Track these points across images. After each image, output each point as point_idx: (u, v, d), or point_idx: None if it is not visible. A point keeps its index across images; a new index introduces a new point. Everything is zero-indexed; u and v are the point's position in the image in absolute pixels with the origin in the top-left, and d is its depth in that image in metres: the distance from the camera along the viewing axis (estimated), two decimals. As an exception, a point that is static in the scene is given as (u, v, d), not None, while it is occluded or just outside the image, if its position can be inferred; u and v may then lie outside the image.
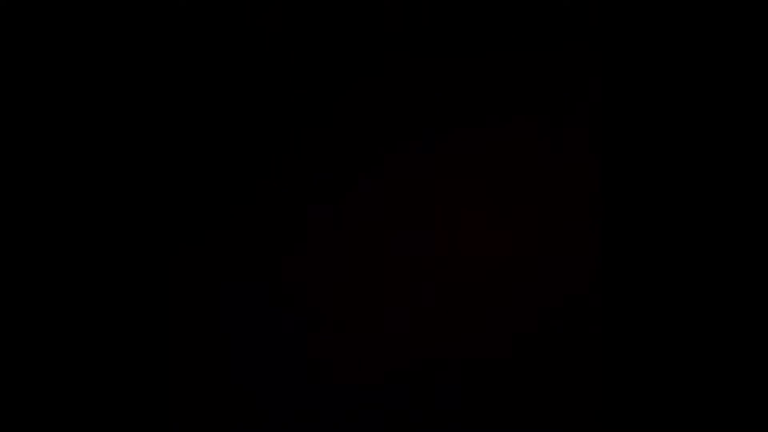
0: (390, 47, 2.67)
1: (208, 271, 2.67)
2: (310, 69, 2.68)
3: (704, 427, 2.58)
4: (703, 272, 2.60)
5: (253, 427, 2.65)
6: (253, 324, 2.67)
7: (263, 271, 2.67)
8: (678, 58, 2.64)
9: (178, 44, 2.68)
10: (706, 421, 2.58)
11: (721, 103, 2.63)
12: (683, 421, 2.59)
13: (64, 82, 2.68)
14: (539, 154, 2.67)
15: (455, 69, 2.68)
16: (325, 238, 2.68)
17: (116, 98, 2.68)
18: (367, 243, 2.67)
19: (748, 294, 2.59)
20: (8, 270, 2.65)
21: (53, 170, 2.67)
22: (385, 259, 2.66)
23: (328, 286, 2.67)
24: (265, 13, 2.67)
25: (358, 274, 2.67)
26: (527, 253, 2.65)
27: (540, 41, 2.67)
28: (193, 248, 2.68)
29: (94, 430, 2.64)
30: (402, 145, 2.68)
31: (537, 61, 2.67)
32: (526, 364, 2.63)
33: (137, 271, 2.66)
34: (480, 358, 2.64)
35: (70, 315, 2.65)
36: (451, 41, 2.67)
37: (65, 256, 2.66)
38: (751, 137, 2.62)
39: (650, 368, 2.60)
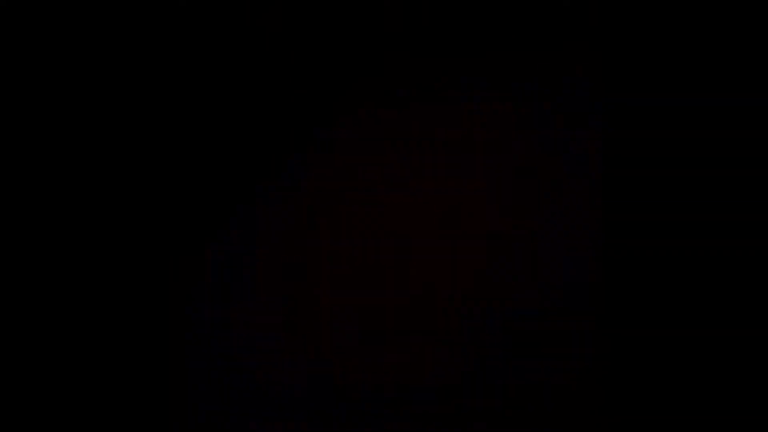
0: (390, 47, 2.67)
1: (211, 272, 2.68)
2: (310, 69, 2.69)
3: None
4: (704, 273, 2.61)
5: (254, 428, 2.66)
6: (256, 325, 2.68)
7: (263, 270, 2.68)
8: (678, 57, 2.65)
9: (179, 44, 2.68)
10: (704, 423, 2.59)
11: (720, 100, 2.63)
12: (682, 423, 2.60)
13: (65, 85, 2.69)
14: (539, 154, 2.67)
15: (455, 69, 2.69)
16: (328, 238, 2.68)
17: (115, 99, 2.69)
18: (368, 243, 2.68)
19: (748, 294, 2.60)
20: (12, 272, 2.66)
21: (55, 173, 2.68)
22: (386, 254, 2.67)
23: (333, 287, 2.68)
24: (265, 13, 2.68)
25: (360, 273, 2.67)
26: (526, 255, 2.66)
27: (540, 41, 2.67)
28: (196, 249, 2.68)
29: (94, 430, 2.64)
30: (401, 144, 2.68)
31: (537, 61, 2.67)
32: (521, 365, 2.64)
33: (141, 273, 2.67)
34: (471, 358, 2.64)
35: (73, 316, 2.66)
36: (451, 41, 2.67)
37: (68, 259, 2.67)
38: (752, 139, 2.63)
39: (650, 373, 2.61)
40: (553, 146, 2.68)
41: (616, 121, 2.66)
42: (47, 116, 2.69)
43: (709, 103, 2.65)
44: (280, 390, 2.67)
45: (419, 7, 2.67)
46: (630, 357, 2.62)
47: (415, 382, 2.66)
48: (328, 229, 2.69)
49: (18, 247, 2.67)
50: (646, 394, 2.61)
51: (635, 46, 2.65)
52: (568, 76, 2.68)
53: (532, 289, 2.66)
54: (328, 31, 2.69)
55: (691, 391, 2.61)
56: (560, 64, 2.67)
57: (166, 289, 2.68)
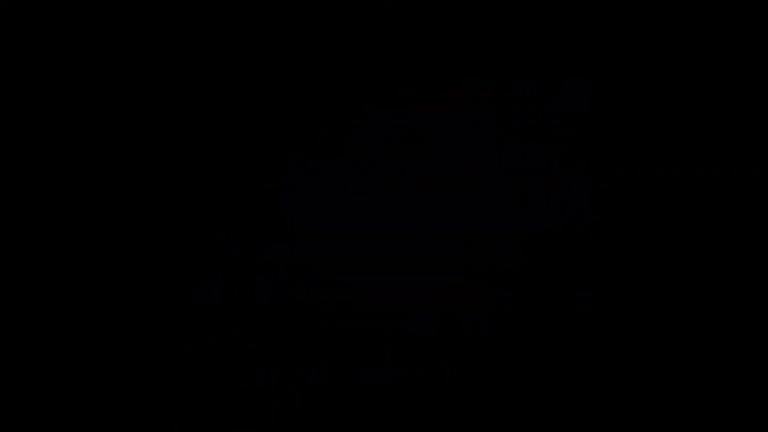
0: (390, 47, 2.67)
1: (209, 270, 2.68)
2: (310, 68, 2.69)
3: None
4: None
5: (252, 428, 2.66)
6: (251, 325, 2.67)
7: (263, 271, 2.68)
8: (677, 57, 2.65)
9: (178, 44, 2.68)
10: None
11: (717, 99, 2.63)
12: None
13: (65, 84, 2.68)
14: (539, 153, 2.67)
15: (455, 69, 2.69)
16: (328, 237, 2.68)
17: (115, 99, 2.68)
18: (368, 243, 2.68)
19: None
20: (9, 270, 2.65)
21: (54, 172, 2.67)
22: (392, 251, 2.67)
23: (333, 287, 2.67)
24: (265, 13, 2.68)
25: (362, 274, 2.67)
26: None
27: (540, 41, 2.67)
28: (194, 248, 2.68)
29: (93, 430, 2.64)
30: (401, 144, 2.68)
31: (537, 61, 2.67)
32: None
33: (138, 272, 2.67)
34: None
35: (71, 315, 2.65)
36: (451, 41, 2.67)
37: (66, 257, 2.66)
38: (751, 140, 2.63)
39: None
40: (553, 146, 2.68)
41: (616, 121, 2.66)
42: (47, 115, 2.68)
43: (708, 104, 2.64)
44: (279, 391, 2.67)
45: (419, 7, 2.67)
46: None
47: (418, 382, 2.66)
48: (329, 228, 2.68)
49: (17, 244, 2.67)
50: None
51: (635, 46, 2.65)
52: (568, 76, 2.67)
53: (532, 287, 2.66)
54: (328, 31, 2.69)
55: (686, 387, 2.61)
56: (560, 64, 2.67)
57: (166, 288, 2.67)
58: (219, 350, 2.66)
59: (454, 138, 2.68)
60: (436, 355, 2.65)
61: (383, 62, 2.69)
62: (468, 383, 2.64)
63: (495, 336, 2.65)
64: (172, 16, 2.68)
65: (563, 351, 2.63)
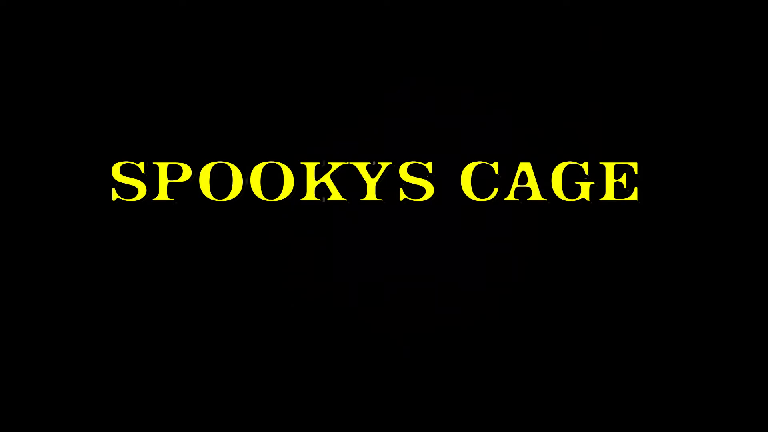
0: (414, 72, 2.67)
1: (207, 270, 2.68)
2: (310, 70, 2.69)
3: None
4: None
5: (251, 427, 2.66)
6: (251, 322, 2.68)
7: (262, 272, 2.68)
8: (676, 58, 2.66)
9: (178, 44, 2.68)
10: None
11: (717, 99, 2.64)
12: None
13: (65, 83, 2.68)
14: (540, 154, 2.67)
15: (455, 68, 2.69)
16: (331, 238, 2.68)
17: (115, 98, 2.68)
18: (371, 243, 2.68)
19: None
20: (9, 270, 2.66)
21: (52, 170, 2.67)
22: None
23: (330, 289, 2.68)
24: (265, 13, 2.68)
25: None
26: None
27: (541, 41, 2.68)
28: (196, 248, 2.68)
29: (94, 430, 2.64)
30: (402, 144, 2.68)
31: (538, 60, 2.68)
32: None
33: (140, 271, 2.67)
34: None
35: (71, 315, 2.66)
36: (469, 71, 2.67)
37: (66, 257, 2.66)
38: (750, 139, 2.63)
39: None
40: (553, 146, 2.68)
41: (616, 121, 2.67)
42: (47, 116, 2.69)
43: (708, 103, 2.65)
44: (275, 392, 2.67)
45: (443, 39, 2.66)
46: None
47: (418, 382, 2.66)
48: (333, 229, 2.68)
49: (17, 245, 2.67)
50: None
51: (634, 47, 2.65)
52: (567, 76, 2.68)
53: (532, 288, 2.67)
54: (328, 31, 2.69)
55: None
56: (561, 63, 2.68)
57: (168, 287, 2.68)
58: (219, 350, 2.67)
59: (454, 137, 2.68)
60: (437, 355, 2.65)
61: (404, 83, 2.68)
62: (467, 383, 2.65)
63: (495, 336, 2.65)
64: (173, 16, 2.67)
65: (563, 350, 2.64)
